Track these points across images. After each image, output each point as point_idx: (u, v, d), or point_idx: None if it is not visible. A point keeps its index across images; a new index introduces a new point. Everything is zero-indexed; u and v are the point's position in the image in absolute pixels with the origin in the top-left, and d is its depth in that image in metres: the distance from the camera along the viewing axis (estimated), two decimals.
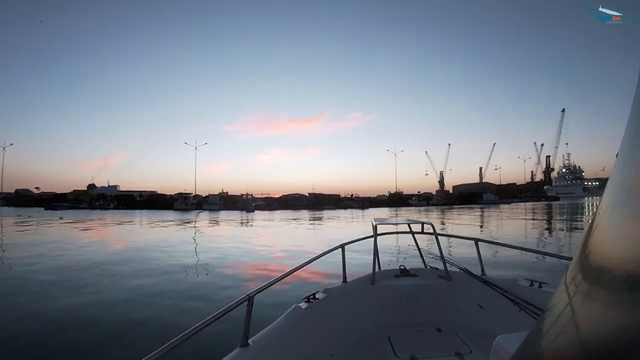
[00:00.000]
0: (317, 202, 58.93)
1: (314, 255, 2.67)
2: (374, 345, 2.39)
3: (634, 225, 0.36)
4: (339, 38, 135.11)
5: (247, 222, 26.40)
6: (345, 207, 55.72)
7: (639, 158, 0.40)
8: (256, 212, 46.52)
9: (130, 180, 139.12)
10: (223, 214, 40.83)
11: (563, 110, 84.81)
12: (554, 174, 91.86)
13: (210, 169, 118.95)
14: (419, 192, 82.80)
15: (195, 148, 68.36)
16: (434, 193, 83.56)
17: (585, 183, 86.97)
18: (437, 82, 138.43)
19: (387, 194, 78.79)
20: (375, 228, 3.08)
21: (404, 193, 77.53)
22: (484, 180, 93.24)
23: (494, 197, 75.58)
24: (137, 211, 48.52)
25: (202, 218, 32.00)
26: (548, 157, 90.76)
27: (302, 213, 40.21)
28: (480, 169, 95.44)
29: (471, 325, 2.54)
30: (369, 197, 72.27)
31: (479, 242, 3.01)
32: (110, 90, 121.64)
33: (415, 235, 3.51)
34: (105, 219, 29.37)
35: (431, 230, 3.19)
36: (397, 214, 34.57)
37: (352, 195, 70.65)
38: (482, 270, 2.84)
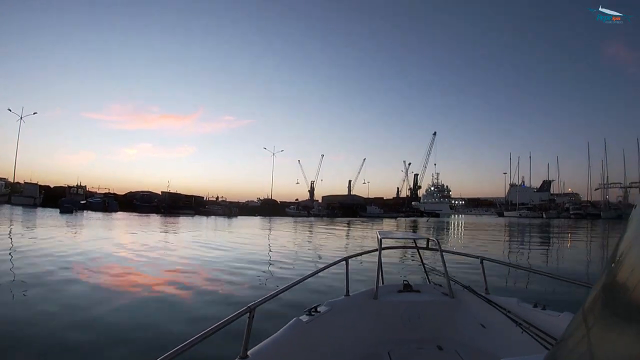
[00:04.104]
0: (172, 204, 50.32)
1: (316, 269, 2.77)
2: None
3: None
4: (220, 38, 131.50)
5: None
6: (208, 214, 47.85)
7: None
8: (86, 213, 38.06)
9: None
10: (40, 213, 31.96)
11: (434, 134, 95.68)
12: (422, 192, 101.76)
13: (70, 159, 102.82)
14: (297, 199, 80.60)
15: (20, 118, 52.00)
16: (302, 201, 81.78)
17: (452, 201, 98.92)
18: (315, 95, 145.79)
19: (256, 199, 74.01)
20: (380, 242, 3.12)
21: (277, 201, 72.70)
22: (352, 193, 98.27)
23: (378, 211, 78.56)
24: None
25: None
26: (416, 175, 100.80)
27: (148, 221, 32.30)
28: (350, 181, 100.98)
29: (473, 344, 2.53)
30: (238, 202, 65.05)
31: (484, 261, 3.01)
32: None
33: (420, 250, 3.54)
34: None
35: (436, 246, 3.20)
36: (271, 227, 30.70)
37: (217, 198, 61.79)
38: (486, 289, 2.83)
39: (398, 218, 65.24)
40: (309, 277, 2.54)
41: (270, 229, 27.21)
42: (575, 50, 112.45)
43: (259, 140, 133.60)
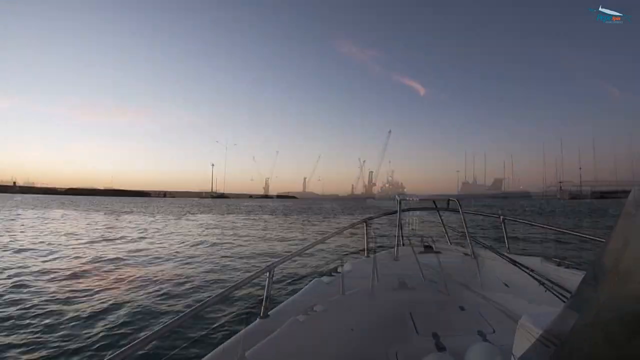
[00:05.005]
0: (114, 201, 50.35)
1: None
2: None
3: None
4: (178, 31, 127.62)
5: None
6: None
7: None
8: (22, 210, 36.94)
9: None
10: None
11: (389, 132, 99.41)
12: (376, 188, 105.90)
13: (19, 153, 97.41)
14: (250, 196, 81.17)
15: None
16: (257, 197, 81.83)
17: (407, 198, 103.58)
18: (272, 92, 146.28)
19: (207, 194, 73.47)
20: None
21: (230, 197, 73.12)
22: (307, 190, 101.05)
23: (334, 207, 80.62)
24: None
25: None
26: (371, 172, 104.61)
27: (79, 219, 31.54)
28: (305, 178, 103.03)
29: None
30: (189, 198, 64.85)
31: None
32: None
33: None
34: None
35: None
36: (222, 231, 30.57)
37: (164, 194, 61.85)
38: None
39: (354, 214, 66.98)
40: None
41: (221, 234, 23.57)
42: (532, 53, 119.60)
43: (212, 135, 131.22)
